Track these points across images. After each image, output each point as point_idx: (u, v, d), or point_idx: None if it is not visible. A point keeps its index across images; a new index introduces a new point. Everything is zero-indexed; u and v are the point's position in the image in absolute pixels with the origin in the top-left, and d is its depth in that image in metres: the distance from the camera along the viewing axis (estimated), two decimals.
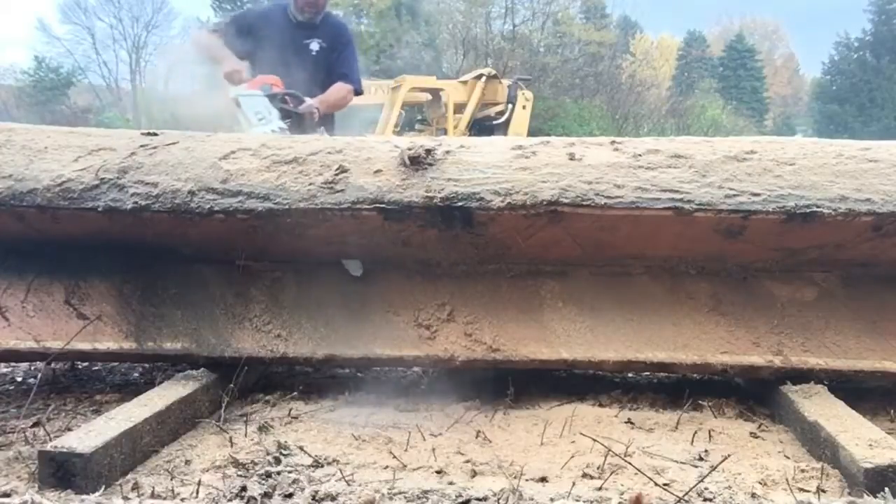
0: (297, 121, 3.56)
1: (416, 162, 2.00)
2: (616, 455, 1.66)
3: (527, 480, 1.58)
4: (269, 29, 3.71)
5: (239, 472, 1.61)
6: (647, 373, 2.39)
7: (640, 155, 2.02)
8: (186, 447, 1.78)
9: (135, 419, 1.70)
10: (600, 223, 1.98)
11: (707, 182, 1.95)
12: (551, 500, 1.48)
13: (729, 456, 1.67)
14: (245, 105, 3.49)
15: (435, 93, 13.78)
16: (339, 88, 3.80)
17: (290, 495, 1.49)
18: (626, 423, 1.98)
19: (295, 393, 2.16)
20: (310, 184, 2.01)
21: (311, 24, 3.76)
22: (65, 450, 1.52)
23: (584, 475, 1.61)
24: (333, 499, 1.47)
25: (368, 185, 1.99)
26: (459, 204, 1.95)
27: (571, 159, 2.02)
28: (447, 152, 2.04)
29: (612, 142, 2.11)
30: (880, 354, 2.07)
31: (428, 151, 2.01)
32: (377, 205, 1.97)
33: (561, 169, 1.99)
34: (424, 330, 2.14)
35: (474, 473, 1.63)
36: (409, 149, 2.02)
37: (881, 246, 2.00)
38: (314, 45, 3.77)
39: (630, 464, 1.63)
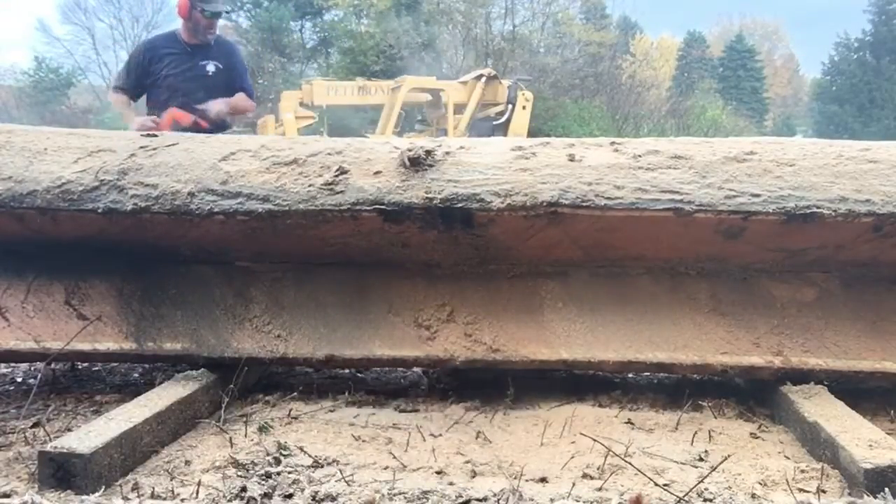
0: (216, 130, 3.73)
1: (416, 163, 2.00)
2: (616, 455, 1.66)
3: (527, 481, 1.58)
4: (165, 57, 3.84)
5: (239, 473, 1.61)
6: (647, 373, 2.39)
7: (639, 156, 2.02)
8: (186, 448, 1.78)
9: (135, 420, 1.70)
10: (600, 224, 1.98)
11: (707, 183, 1.95)
12: (551, 500, 1.48)
13: (729, 456, 1.68)
14: None
15: (435, 93, 13.79)
16: (243, 98, 3.99)
17: (290, 496, 1.49)
18: (626, 423, 1.98)
19: (295, 393, 2.16)
20: (310, 185, 2.01)
21: (205, 46, 3.88)
22: (65, 450, 1.52)
23: (584, 475, 1.61)
24: (333, 499, 1.47)
25: (368, 187, 1.99)
26: (459, 205, 1.95)
27: (571, 160, 2.02)
28: (447, 153, 2.04)
29: (612, 143, 2.12)
30: (880, 355, 2.07)
31: (428, 153, 2.01)
32: (377, 206, 1.97)
33: (561, 170, 1.99)
34: (424, 330, 2.14)
35: (474, 474, 1.63)
36: (409, 150, 2.02)
37: (881, 247, 2.01)
38: (210, 67, 3.90)
39: (630, 464, 1.63)
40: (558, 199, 1.94)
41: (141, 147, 2.16)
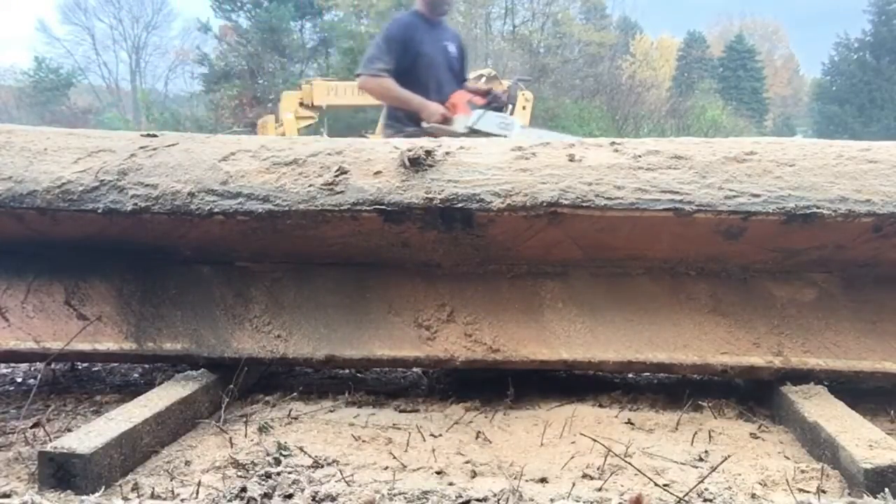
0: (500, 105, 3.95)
1: (416, 163, 2.00)
2: (616, 455, 1.66)
3: (527, 481, 1.58)
4: (419, 37, 3.70)
5: (239, 473, 1.61)
6: (647, 373, 2.39)
7: (639, 156, 2.02)
8: (186, 448, 1.78)
9: (135, 420, 1.70)
10: (600, 224, 1.98)
11: (707, 183, 1.95)
12: (551, 500, 1.48)
13: (729, 456, 1.67)
14: (486, 126, 3.82)
15: None
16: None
17: (289, 496, 1.49)
18: (626, 423, 1.98)
19: (295, 393, 2.16)
20: (309, 185, 2.01)
21: (441, 25, 3.80)
22: (65, 450, 1.52)
23: (584, 476, 1.61)
24: (333, 499, 1.47)
25: (368, 187, 1.99)
26: (459, 205, 1.95)
27: (571, 160, 2.02)
28: (447, 153, 2.04)
29: (612, 143, 2.12)
30: (880, 355, 2.07)
31: (428, 153, 2.01)
32: (377, 206, 1.97)
33: (561, 170, 1.99)
34: (424, 330, 2.14)
35: (474, 474, 1.63)
36: (409, 150, 2.02)
37: (881, 247, 2.00)
38: (452, 48, 3.82)
39: (630, 464, 1.63)
40: (558, 200, 1.94)
41: (141, 147, 2.16)
